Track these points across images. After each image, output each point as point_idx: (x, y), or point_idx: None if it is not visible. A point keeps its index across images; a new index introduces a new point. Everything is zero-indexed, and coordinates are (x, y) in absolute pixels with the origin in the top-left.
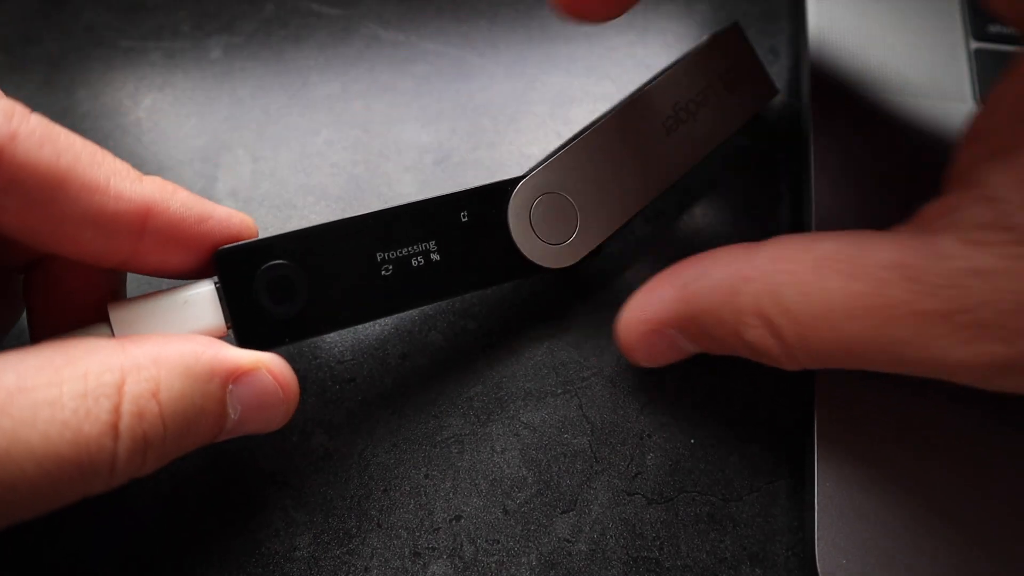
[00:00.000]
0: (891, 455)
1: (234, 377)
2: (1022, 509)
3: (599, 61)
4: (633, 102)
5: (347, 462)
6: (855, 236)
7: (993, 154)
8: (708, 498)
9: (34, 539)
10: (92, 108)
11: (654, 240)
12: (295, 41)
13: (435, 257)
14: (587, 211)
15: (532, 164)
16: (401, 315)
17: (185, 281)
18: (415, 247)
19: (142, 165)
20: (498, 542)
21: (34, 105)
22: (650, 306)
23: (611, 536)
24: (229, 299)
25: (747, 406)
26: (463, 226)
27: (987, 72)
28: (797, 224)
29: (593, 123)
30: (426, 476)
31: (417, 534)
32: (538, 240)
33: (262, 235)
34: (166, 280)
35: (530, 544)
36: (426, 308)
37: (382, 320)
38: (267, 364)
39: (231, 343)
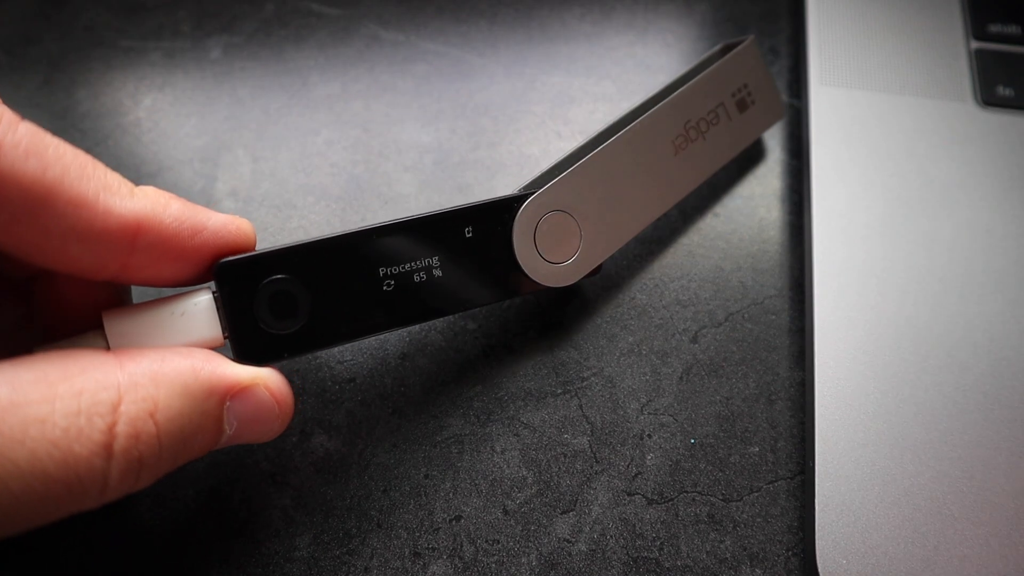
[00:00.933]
0: (891, 455)
1: (232, 394)
2: (1022, 509)
3: (599, 61)
4: (645, 120)
5: (347, 462)
6: None
7: None
8: (708, 498)
9: (34, 539)
10: (92, 108)
11: (654, 240)
12: (295, 41)
13: (437, 273)
14: (590, 230)
15: (532, 165)
16: None
17: (184, 288)
18: (418, 263)
19: (142, 165)
20: (498, 542)
21: (34, 105)
22: None
23: (611, 536)
24: (229, 313)
25: (747, 406)
26: (467, 242)
27: (987, 72)
28: (797, 224)
29: (601, 135)
30: (426, 476)
31: (417, 534)
32: (541, 259)
33: (262, 235)
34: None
35: (530, 544)
36: None
37: None
38: (265, 380)
39: (227, 352)
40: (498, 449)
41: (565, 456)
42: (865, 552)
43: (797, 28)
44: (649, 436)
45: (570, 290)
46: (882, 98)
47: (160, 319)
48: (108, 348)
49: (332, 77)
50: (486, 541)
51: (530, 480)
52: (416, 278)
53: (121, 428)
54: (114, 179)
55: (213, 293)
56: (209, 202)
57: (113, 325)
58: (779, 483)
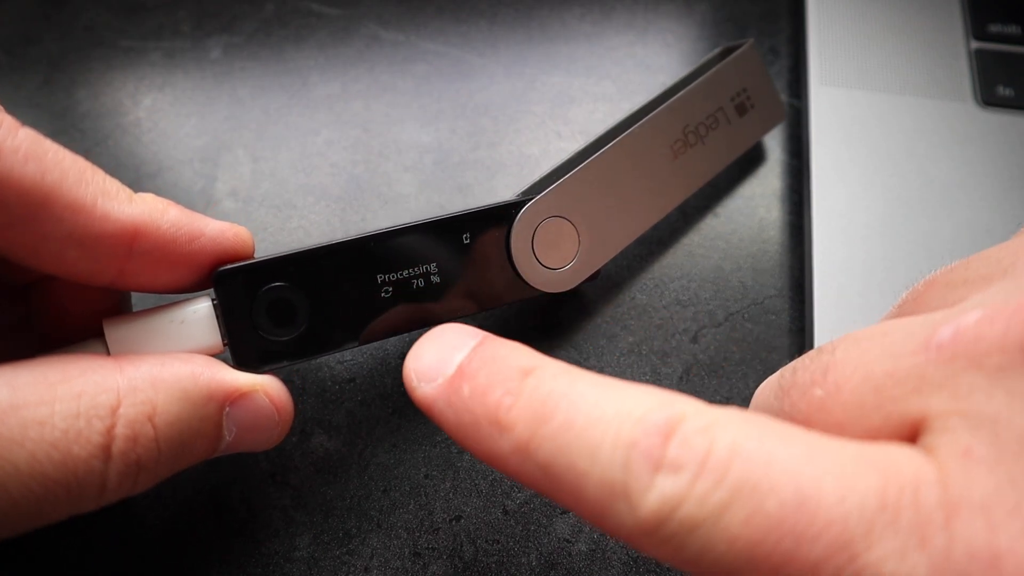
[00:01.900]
0: None
1: (231, 400)
2: None
3: (599, 61)
4: (643, 125)
5: (347, 462)
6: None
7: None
8: None
9: (33, 539)
10: (92, 108)
11: (654, 240)
12: (295, 41)
13: (435, 279)
14: (589, 236)
15: (532, 165)
16: None
17: (183, 295)
18: (416, 269)
19: (142, 165)
20: (498, 542)
21: (34, 105)
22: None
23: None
24: (228, 320)
25: (747, 406)
26: (465, 248)
27: (987, 72)
28: (797, 224)
29: (600, 140)
30: (426, 476)
31: (417, 534)
32: (539, 265)
33: (262, 235)
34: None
35: (530, 544)
36: None
37: None
38: (264, 387)
39: (227, 360)
40: None
41: None
42: None
43: (797, 28)
44: None
45: (569, 292)
46: (882, 98)
47: (160, 326)
48: (108, 355)
49: (332, 77)
50: (486, 541)
51: None
52: (415, 285)
53: (119, 431)
54: (112, 185)
55: (212, 301)
56: (209, 202)
57: (113, 332)
58: None
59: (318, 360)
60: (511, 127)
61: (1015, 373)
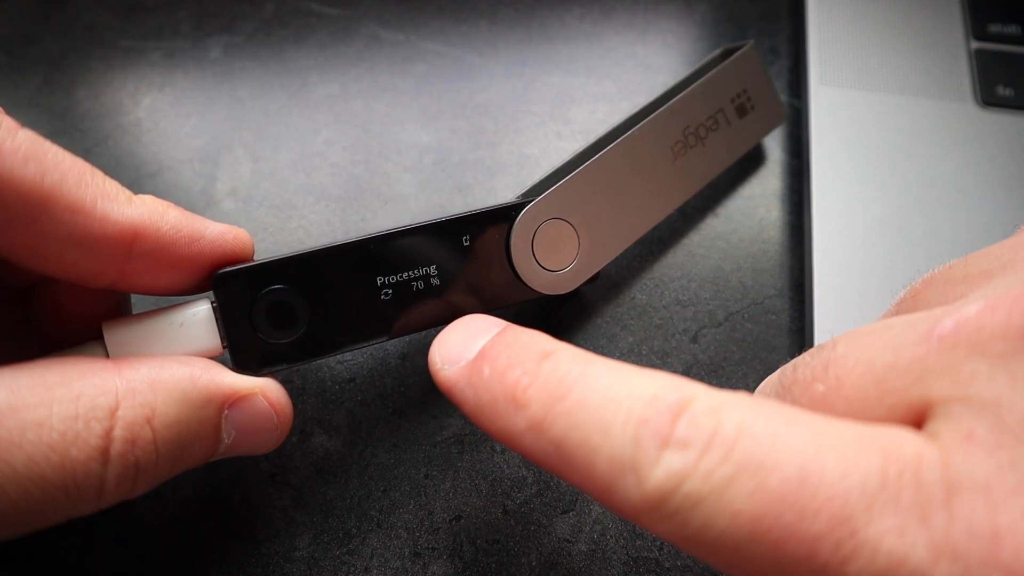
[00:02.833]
0: None
1: (230, 403)
2: None
3: (599, 61)
4: (643, 127)
5: (347, 462)
6: None
7: None
8: None
9: (33, 539)
10: (92, 108)
11: (654, 239)
12: (295, 41)
13: (435, 282)
14: (589, 238)
15: (532, 165)
16: None
17: (182, 298)
18: (416, 271)
19: (142, 165)
20: (498, 542)
21: (34, 105)
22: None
23: (611, 536)
24: (226, 322)
25: None
26: (464, 251)
27: (987, 72)
28: (797, 224)
29: (600, 142)
30: (426, 476)
31: (417, 534)
32: (539, 267)
33: (262, 235)
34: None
35: (530, 544)
36: None
37: None
38: (264, 390)
39: (227, 362)
40: (498, 449)
41: None
42: None
43: (797, 28)
44: None
45: (569, 292)
46: (882, 98)
47: (159, 329)
48: (107, 357)
49: (332, 77)
50: (486, 541)
51: (530, 480)
52: (414, 287)
53: (118, 433)
54: (112, 186)
55: (212, 303)
56: (209, 202)
57: (112, 335)
58: None
59: (318, 360)
60: (511, 127)
61: (1017, 358)
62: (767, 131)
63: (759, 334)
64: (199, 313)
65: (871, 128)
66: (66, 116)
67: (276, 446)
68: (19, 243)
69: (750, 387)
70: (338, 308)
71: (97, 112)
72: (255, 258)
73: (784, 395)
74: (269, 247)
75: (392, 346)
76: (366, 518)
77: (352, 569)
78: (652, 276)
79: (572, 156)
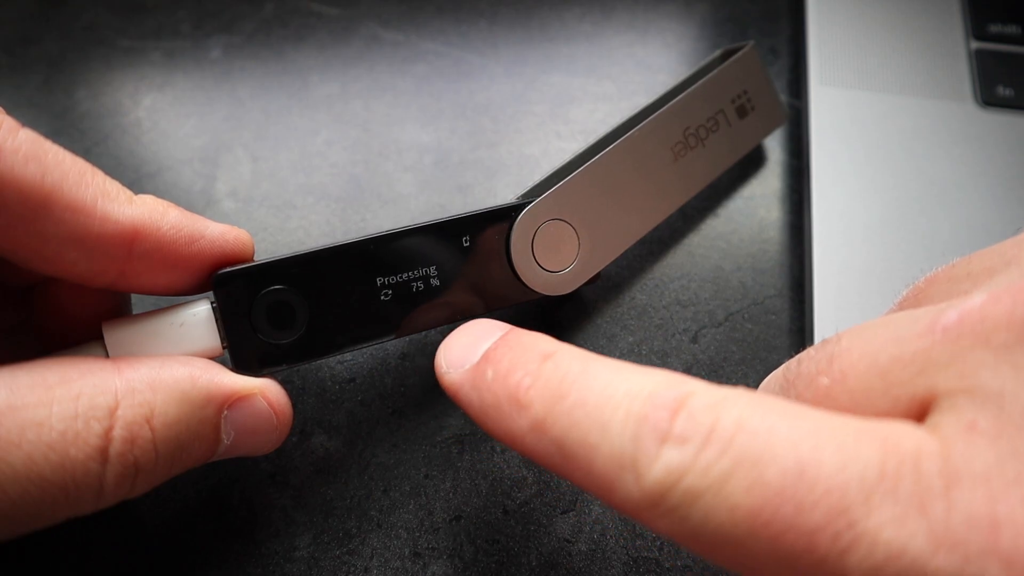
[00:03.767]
0: None
1: (230, 403)
2: None
3: (599, 61)
4: (644, 128)
5: (347, 462)
6: None
7: None
8: None
9: (34, 539)
10: (92, 108)
11: (654, 239)
12: (295, 41)
13: (435, 282)
14: (589, 239)
15: (532, 165)
16: None
17: (182, 298)
18: (416, 272)
19: (142, 165)
20: (498, 542)
21: (34, 105)
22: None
23: (611, 536)
24: (226, 323)
25: None
26: (464, 251)
27: (987, 72)
28: (797, 224)
29: (600, 142)
30: (426, 476)
31: (417, 534)
32: (539, 268)
33: (262, 235)
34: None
35: (530, 544)
36: None
37: None
38: (263, 390)
39: (227, 363)
40: (498, 449)
41: None
42: None
43: (797, 28)
44: None
45: (569, 293)
46: (882, 98)
47: (159, 329)
48: (107, 357)
49: (332, 77)
50: (486, 541)
51: (530, 480)
52: (414, 287)
53: (117, 432)
54: (113, 186)
55: (212, 304)
56: (209, 202)
57: (112, 335)
58: None
59: (318, 361)
60: (511, 127)
61: (1021, 349)
62: (767, 132)
63: (759, 334)
64: (199, 313)
65: (871, 128)
66: (66, 116)
67: (276, 447)
68: (20, 243)
69: (750, 387)
70: (338, 309)
71: (97, 112)
72: (255, 258)
73: (788, 389)
74: (269, 247)
75: (392, 346)
76: (366, 518)
77: (352, 569)
78: (652, 276)
79: (572, 156)
